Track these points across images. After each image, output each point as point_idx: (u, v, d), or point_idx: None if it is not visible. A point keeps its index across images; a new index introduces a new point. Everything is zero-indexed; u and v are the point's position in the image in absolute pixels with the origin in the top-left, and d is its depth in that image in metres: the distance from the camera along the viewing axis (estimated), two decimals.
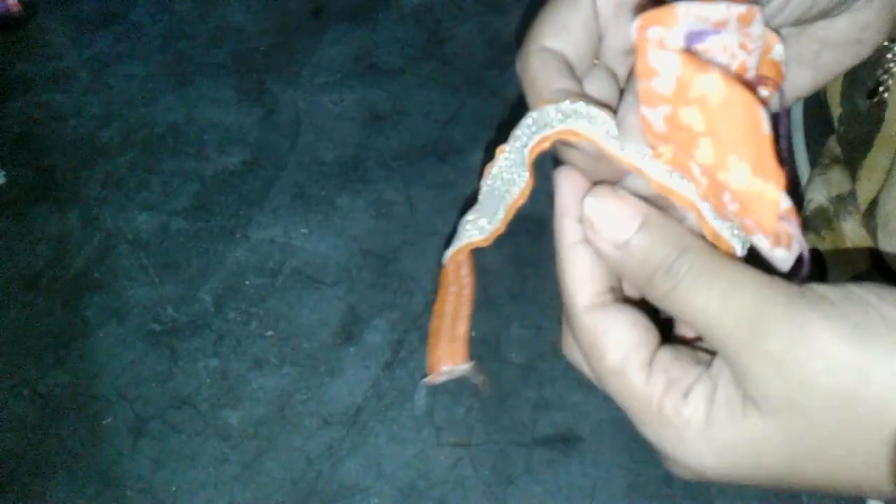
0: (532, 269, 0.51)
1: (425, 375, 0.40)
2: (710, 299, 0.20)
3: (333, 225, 0.54)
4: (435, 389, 0.47)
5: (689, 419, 0.20)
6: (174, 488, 0.44)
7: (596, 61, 0.24)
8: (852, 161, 0.49)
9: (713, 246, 0.22)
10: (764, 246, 0.22)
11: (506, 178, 0.28)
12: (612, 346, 0.22)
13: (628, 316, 0.22)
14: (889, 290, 0.19)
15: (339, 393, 0.47)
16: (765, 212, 0.21)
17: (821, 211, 0.49)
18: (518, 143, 0.27)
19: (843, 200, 0.49)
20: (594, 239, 0.22)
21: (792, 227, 0.21)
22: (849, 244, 0.44)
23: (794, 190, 0.55)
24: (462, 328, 0.41)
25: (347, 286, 0.51)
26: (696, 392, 0.21)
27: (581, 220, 0.22)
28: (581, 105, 0.24)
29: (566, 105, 0.24)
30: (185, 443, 0.45)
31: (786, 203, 0.20)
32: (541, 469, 0.44)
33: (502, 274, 0.51)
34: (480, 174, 0.30)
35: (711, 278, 0.20)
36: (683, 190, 0.21)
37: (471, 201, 0.31)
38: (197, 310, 0.50)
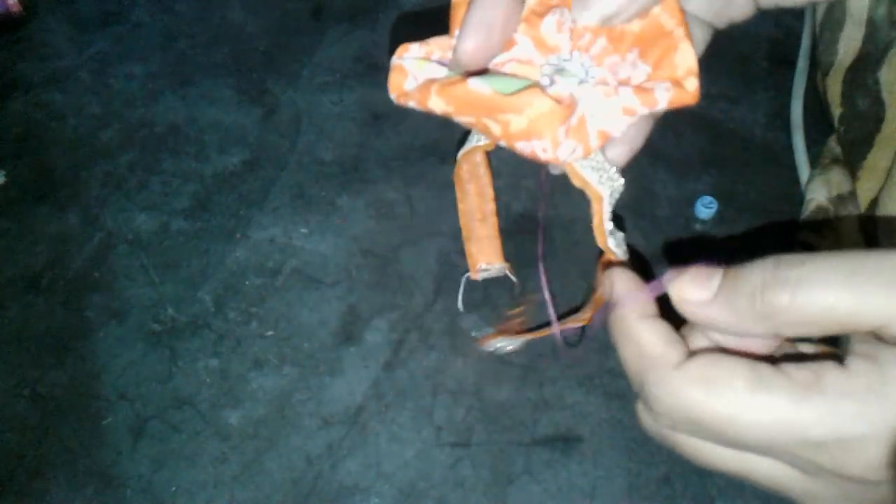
0: (532, 269, 0.51)
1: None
2: (839, 288, 0.19)
3: (333, 225, 0.54)
4: (435, 389, 0.47)
5: (866, 381, 0.19)
6: (174, 488, 0.44)
7: None
8: (852, 161, 0.49)
9: None
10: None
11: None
12: (736, 369, 0.21)
13: (726, 353, 0.22)
14: None
15: (339, 393, 0.47)
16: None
17: (821, 211, 0.49)
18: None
19: (843, 200, 0.49)
20: (688, 308, 0.22)
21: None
22: (849, 244, 0.44)
23: (794, 191, 0.55)
24: (492, 227, 0.43)
25: (347, 286, 0.51)
26: (854, 363, 0.20)
27: (673, 299, 0.23)
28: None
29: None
30: (185, 443, 0.45)
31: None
32: (541, 469, 0.44)
33: None
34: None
35: (826, 270, 0.20)
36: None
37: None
38: (197, 310, 0.50)
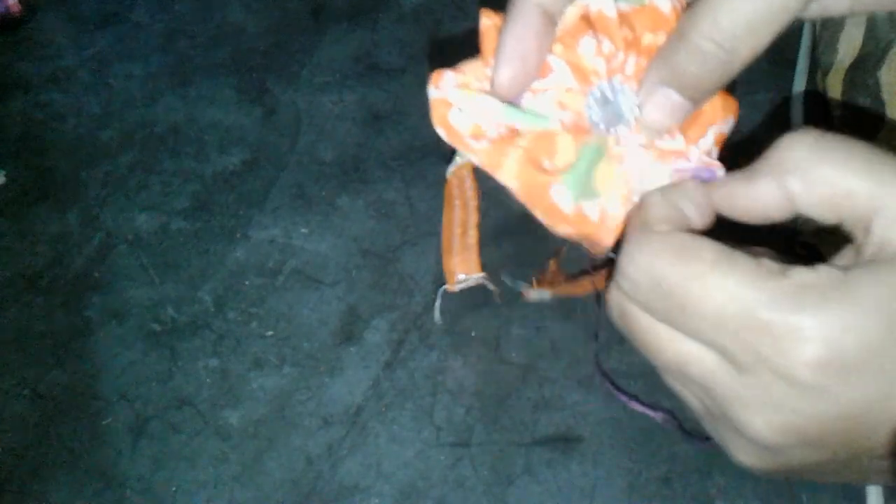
0: (532, 269, 0.51)
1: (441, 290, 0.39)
2: (849, 169, 0.21)
3: (333, 225, 0.54)
4: (435, 389, 0.47)
5: (829, 278, 0.20)
6: (174, 488, 0.44)
7: None
8: None
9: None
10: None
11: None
12: (709, 244, 0.22)
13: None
14: None
15: (339, 393, 0.47)
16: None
17: None
18: None
19: None
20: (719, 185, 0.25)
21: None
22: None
23: None
24: (472, 238, 0.43)
25: (347, 286, 0.51)
26: (822, 266, 0.21)
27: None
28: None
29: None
30: (185, 443, 0.45)
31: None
32: (541, 469, 0.44)
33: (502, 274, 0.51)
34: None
35: (842, 142, 0.21)
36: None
37: None
38: (197, 310, 0.50)
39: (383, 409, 0.46)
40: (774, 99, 0.60)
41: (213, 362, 0.48)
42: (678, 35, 0.23)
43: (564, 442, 0.45)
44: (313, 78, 0.64)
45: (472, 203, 0.39)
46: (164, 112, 0.62)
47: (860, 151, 0.21)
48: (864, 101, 0.47)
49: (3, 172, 0.58)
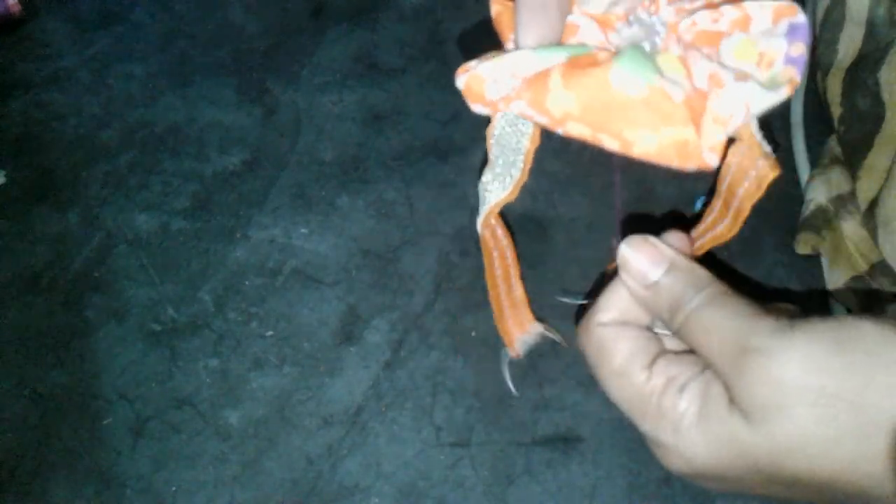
0: (532, 269, 0.51)
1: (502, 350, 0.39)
2: (710, 328, 0.23)
3: (333, 225, 0.54)
4: (435, 389, 0.47)
5: (684, 412, 0.24)
6: (174, 488, 0.44)
7: None
8: (852, 161, 0.49)
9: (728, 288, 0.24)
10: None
11: (513, 131, 0.29)
12: (619, 350, 0.25)
13: (633, 330, 0.26)
14: (869, 315, 0.21)
15: (339, 393, 0.47)
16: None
17: (821, 211, 0.49)
18: None
19: (843, 200, 0.49)
20: (627, 279, 0.26)
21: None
22: (849, 244, 0.44)
23: (794, 191, 0.55)
24: (518, 290, 0.41)
25: (347, 286, 0.51)
26: (691, 389, 0.24)
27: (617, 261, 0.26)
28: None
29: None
30: (185, 443, 0.45)
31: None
32: (541, 469, 0.44)
33: None
34: (480, 172, 0.31)
35: (715, 309, 0.23)
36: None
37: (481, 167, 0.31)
38: (197, 310, 0.50)
39: (383, 409, 0.46)
40: None
41: (213, 362, 0.48)
42: None
43: (564, 442, 0.45)
44: (313, 78, 0.64)
45: (509, 251, 0.38)
46: (164, 112, 0.62)
47: (743, 310, 0.23)
48: (864, 101, 0.47)
49: (3, 172, 0.58)
